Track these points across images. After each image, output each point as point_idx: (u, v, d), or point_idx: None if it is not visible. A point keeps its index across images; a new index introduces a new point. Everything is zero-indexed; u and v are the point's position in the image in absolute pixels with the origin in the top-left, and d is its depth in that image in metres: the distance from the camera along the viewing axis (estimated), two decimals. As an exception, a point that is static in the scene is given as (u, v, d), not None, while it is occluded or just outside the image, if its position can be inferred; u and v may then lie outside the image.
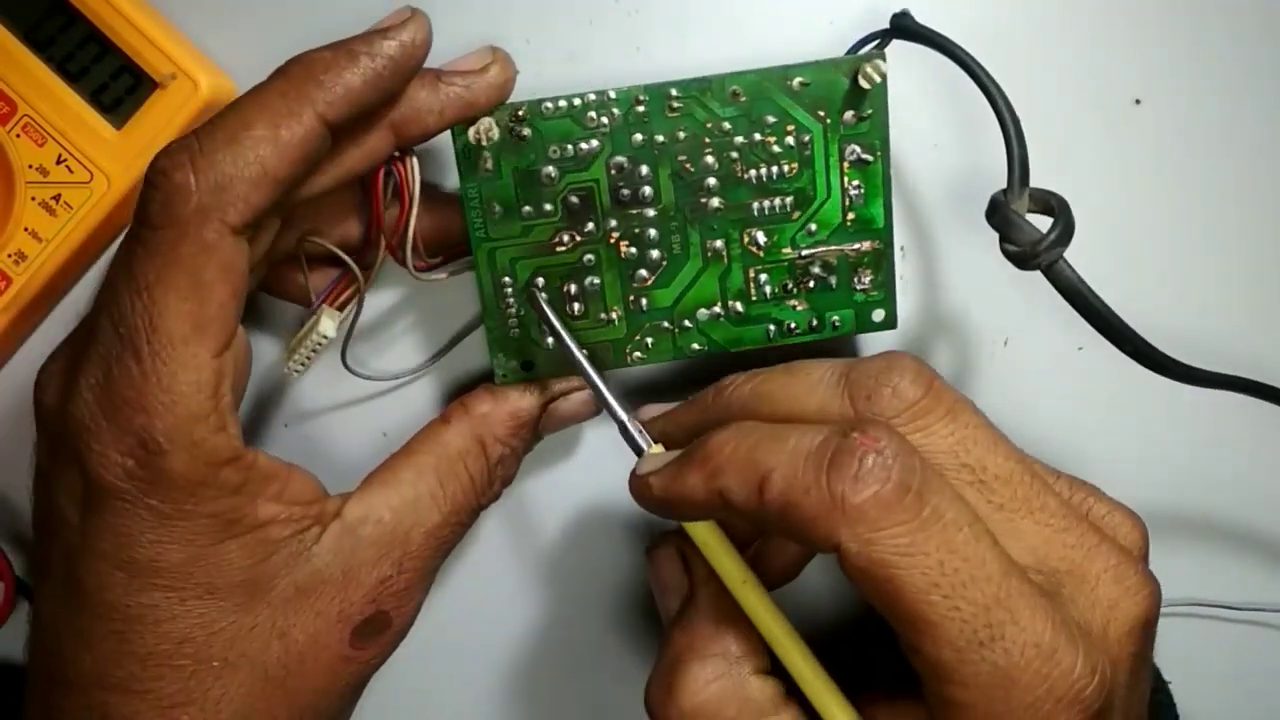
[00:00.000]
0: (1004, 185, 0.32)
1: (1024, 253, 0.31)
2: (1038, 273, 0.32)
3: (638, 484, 0.32)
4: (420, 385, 0.40)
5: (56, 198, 0.38)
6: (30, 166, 0.38)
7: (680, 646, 0.32)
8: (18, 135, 0.38)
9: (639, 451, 0.33)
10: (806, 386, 0.32)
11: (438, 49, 0.38)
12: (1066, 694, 0.27)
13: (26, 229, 0.38)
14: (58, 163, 0.38)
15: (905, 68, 0.35)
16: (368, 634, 0.34)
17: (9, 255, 0.38)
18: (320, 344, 0.35)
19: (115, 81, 0.37)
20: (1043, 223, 0.31)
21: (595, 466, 0.41)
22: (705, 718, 0.31)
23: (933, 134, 0.38)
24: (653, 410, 0.36)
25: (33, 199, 0.38)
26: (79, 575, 0.31)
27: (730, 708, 0.31)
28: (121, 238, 0.32)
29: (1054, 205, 0.32)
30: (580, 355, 0.34)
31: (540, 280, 0.35)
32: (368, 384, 0.39)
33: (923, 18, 0.35)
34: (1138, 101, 0.37)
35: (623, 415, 0.33)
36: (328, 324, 0.35)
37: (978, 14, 0.37)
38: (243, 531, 0.31)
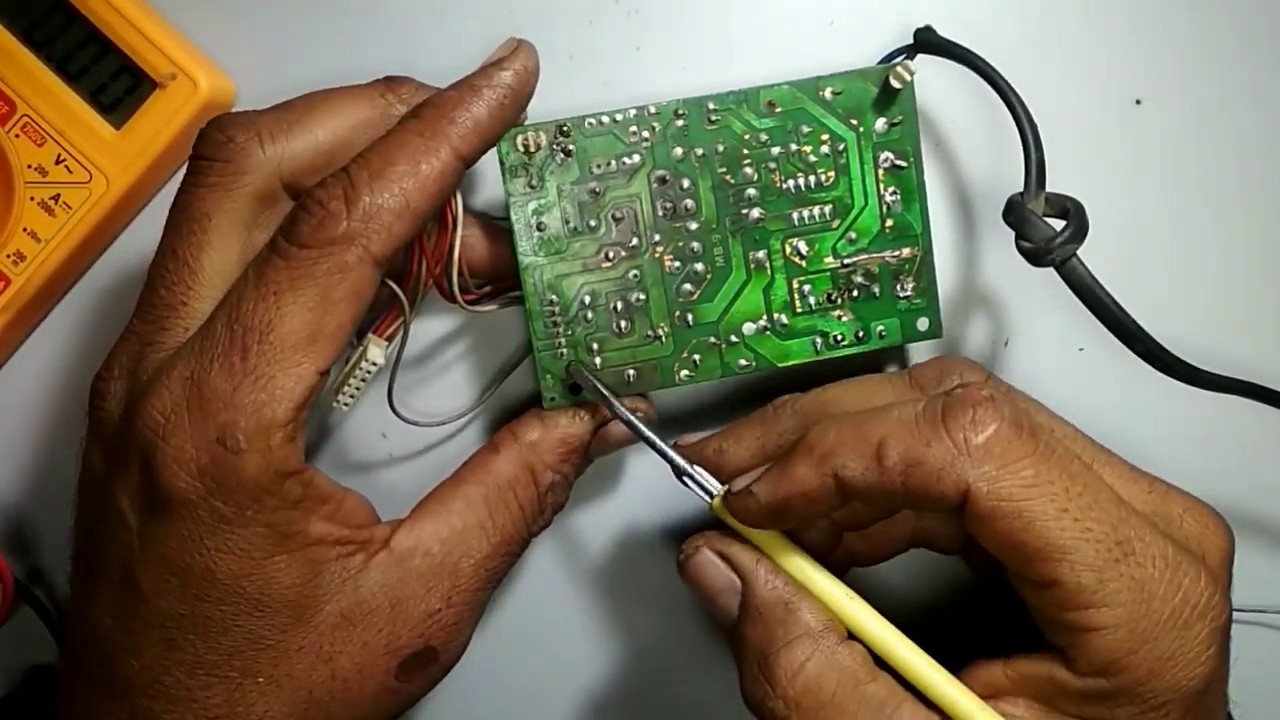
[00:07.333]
0: (1005, 188, 0.33)
1: (1038, 249, 0.32)
2: (1040, 275, 0.33)
3: (739, 500, 0.32)
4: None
5: (55, 198, 0.38)
6: (29, 166, 0.38)
7: (759, 639, 0.32)
8: (17, 135, 0.37)
9: (709, 494, 0.33)
10: (873, 387, 0.34)
11: (439, 47, 0.38)
12: (1199, 603, 0.28)
13: (25, 229, 0.38)
14: (57, 163, 0.38)
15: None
16: (414, 667, 0.34)
17: (8, 255, 0.38)
18: (369, 373, 0.35)
19: (115, 81, 0.37)
20: (1057, 225, 0.32)
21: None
22: (812, 697, 0.31)
23: (932, 139, 0.38)
24: (693, 438, 0.36)
25: (32, 199, 0.38)
26: (137, 579, 0.31)
27: (830, 681, 0.31)
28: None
29: (1069, 207, 0.33)
30: (634, 418, 0.34)
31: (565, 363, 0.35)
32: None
33: (917, 17, 0.36)
34: (1138, 101, 0.38)
35: (685, 465, 0.33)
36: (376, 352, 0.35)
37: (976, 15, 0.38)
38: (295, 547, 0.31)
